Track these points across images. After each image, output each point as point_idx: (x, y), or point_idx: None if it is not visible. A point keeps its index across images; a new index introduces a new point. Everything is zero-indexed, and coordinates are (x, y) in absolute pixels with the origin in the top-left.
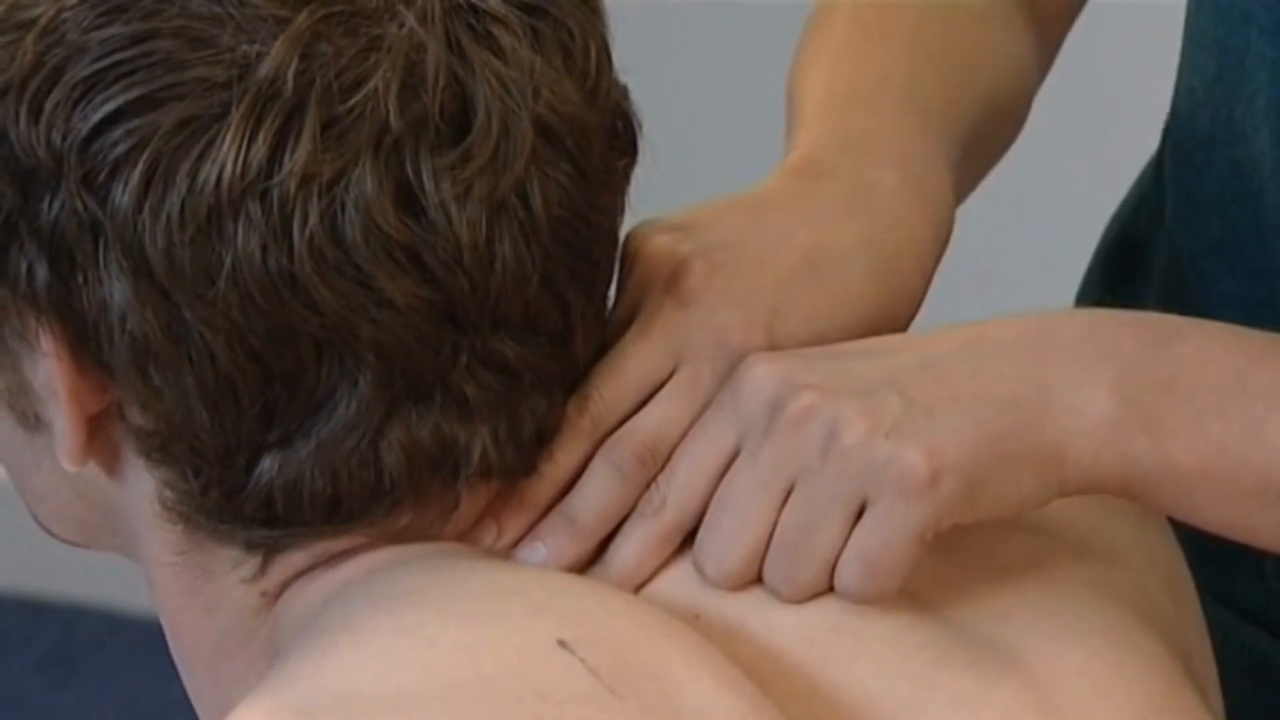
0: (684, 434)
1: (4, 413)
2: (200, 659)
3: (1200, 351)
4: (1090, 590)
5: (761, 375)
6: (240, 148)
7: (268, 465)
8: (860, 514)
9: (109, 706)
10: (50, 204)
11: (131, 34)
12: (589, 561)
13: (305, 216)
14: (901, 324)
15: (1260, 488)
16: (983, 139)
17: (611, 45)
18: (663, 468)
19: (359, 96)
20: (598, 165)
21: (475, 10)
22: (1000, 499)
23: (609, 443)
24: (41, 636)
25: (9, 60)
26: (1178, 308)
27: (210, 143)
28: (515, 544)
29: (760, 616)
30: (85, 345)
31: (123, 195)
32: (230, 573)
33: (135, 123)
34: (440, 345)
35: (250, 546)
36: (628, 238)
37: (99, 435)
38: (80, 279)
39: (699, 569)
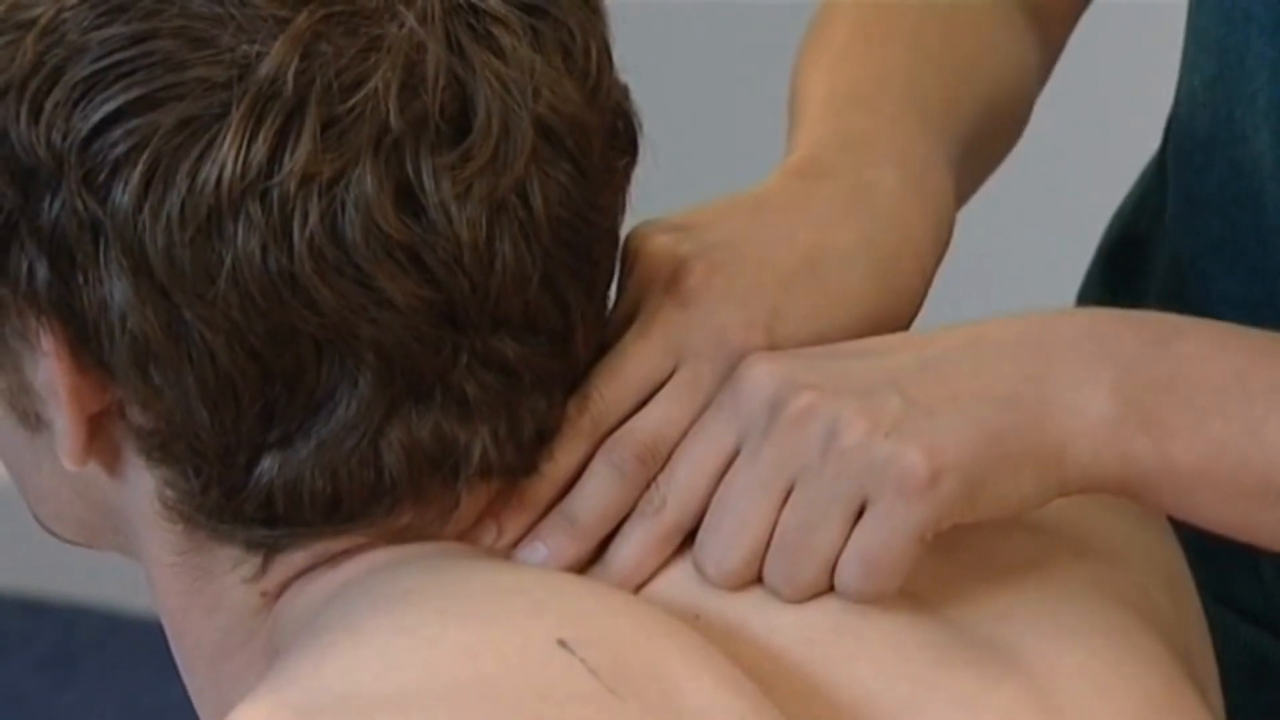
0: (684, 434)
1: (5, 412)
2: (201, 659)
3: (1200, 351)
4: (1090, 590)
5: (761, 375)
6: (240, 148)
7: (268, 465)
8: (860, 514)
9: (109, 706)
10: (50, 204)
11: (131, 34)
12: (589, 561)
13: (305, 216)
14: (902, 324)
15: (1260, 487)
16: (984, 140)
17: (612, 45)
18: (663, 468)
19: (359, 96)
20: (598, 165)
21: (475, 10)
22: (1000, 499)
23: (609, 442)
24: (41, 636)
25: (9, 60)
26: (1178, 308)
27: (210, 143)
28: (515, 544)
29: (760, 616)
30: (86, 345)
31: (123, 195)
32: (230, 572)
33: (135, 123)
34: (440, 345)
35: (250, 546)
36: (628, 238)
37: (99, 435)
38: (80, 279)
39: (699, 569)
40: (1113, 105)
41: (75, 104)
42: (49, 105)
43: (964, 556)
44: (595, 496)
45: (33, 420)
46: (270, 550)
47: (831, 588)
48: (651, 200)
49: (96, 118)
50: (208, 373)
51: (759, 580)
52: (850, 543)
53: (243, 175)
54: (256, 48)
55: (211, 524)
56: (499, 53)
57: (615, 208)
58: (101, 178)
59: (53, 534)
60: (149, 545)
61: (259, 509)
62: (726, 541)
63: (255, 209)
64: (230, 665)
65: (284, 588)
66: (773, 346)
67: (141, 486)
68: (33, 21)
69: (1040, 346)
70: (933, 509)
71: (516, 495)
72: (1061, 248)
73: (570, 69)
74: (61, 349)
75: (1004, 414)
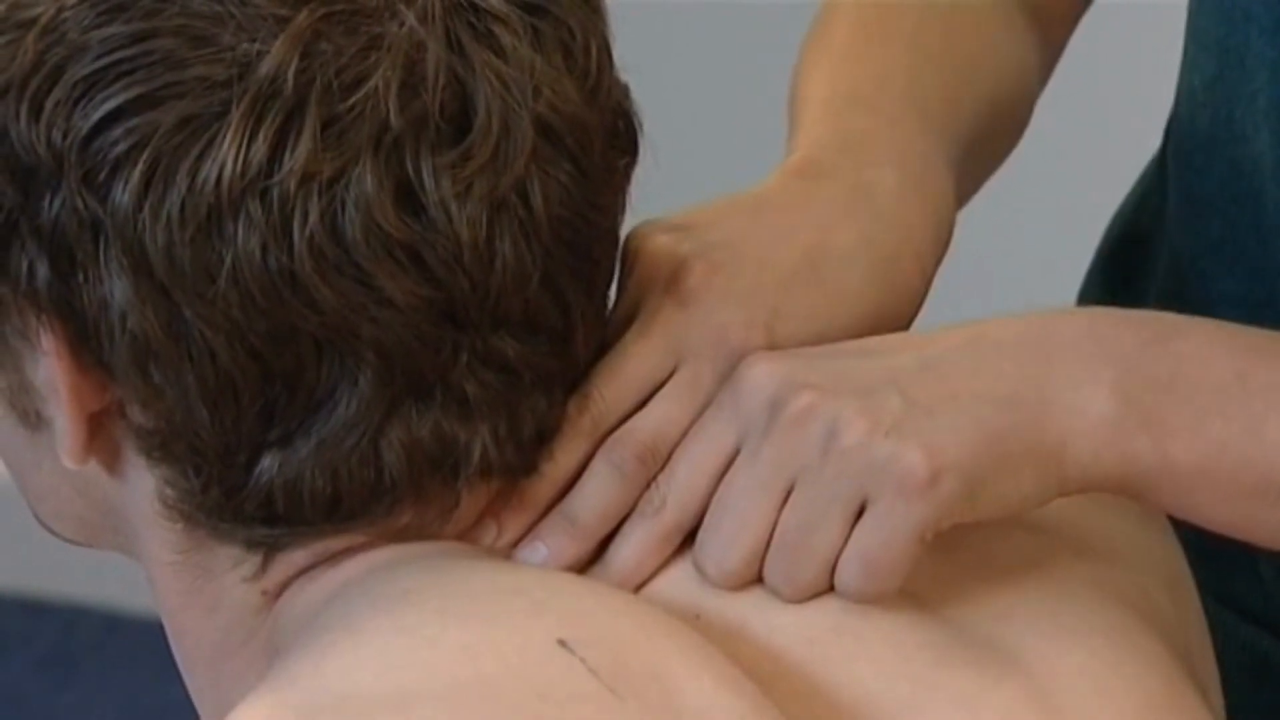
0: (684, 434)
1: (5, 411)
2: (201, 658)
3: (1200, 350)
4: (1090, 590)
5: (761, 375)
6: (240, 146)
7: (268, 464)
8: (860, 514)
9: (109, 706)
10: (51, 203)
11: (132, 33)
12: (589, 561)
13: (305, 215)
14: (902, 324)
15: (1261, 486)
16: (984, 140)
17: (612, 44)
18: (663, 467)
19: (359, 95)
20: (598, 164)
21: (476, 9)
22: (1000, 498)
23: (609, 442)
24: (41, 636)
25: (10, 59)
26: (1178, 308)
27: (210, 141)
28: (515, 543)
29: (760, 616)
30: (86, 344)
31: (123, 194)
32: (231, 571)
33: (135, 121)
34: (440, 344)
35: (251, 545)
36: (628, 237)
37: (100, 433)
38: (81, 277)
39: (699, 569)
40: (1113, 105)
41: (75, 103)
42: (49, 104)
43: (964, 556)
44: (595, 496)
45: (33, 419)
46: (270, 549)
47: (831, 588)
48: (651, 200)
49: (97, 116)
50: (208, 372)
51: (759, 580)
52: (850, 543)
53: (243, 174)
54: (257, 46)
55: (212, 523)
56: (499, 52)
57: (615, 207)
58: (102, 176)
59: (53, 533)
60: (149, 544)
61: (259, 508)
62: (726, 541)
63: (255, 208)
64: (230, 665)
65: (284, 587)
66: (773, 346)
67: (141, 485)
68: (33, 20)
69: (1040, 346)
70: (933, 509)
71: (516, 495)
72: (1061, 248)
73: (571, 68)
74: (62, 348)
75: (1004, 414)
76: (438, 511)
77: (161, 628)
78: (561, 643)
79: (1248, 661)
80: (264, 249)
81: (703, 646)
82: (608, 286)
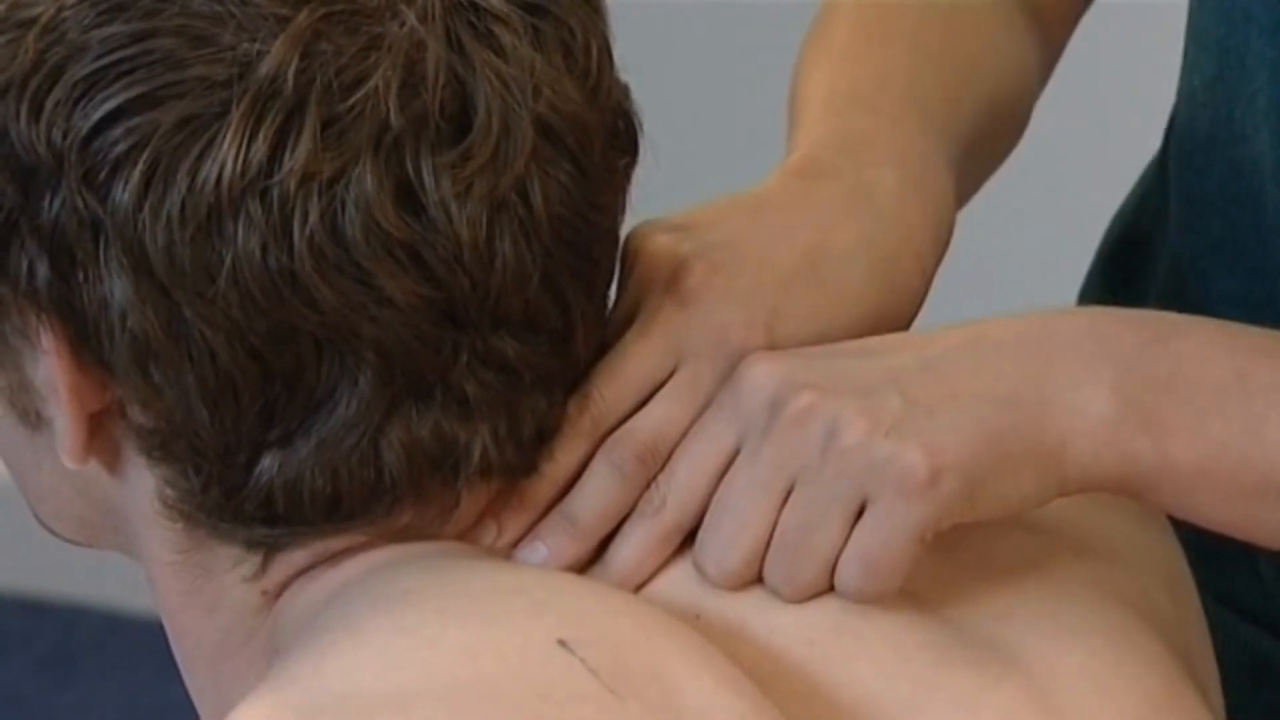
0: (684, 434)
1: (5, 410)
2: (201, 658)
3: (1200, 350)
4: (1090, 590)
5: (761, 375)
6: (240, 146)
7: (268, 463)
8: (860, 513)
9: (109, 706)
10: (51, 202)
11: (132, 32)
12: (589, 561)
13: (305, 215)
14: (902, 324)
15: (1261, 486)
16: (984, 140)
17: (612, 44)
18: (663, 467)
19: (359, 95)
20: (599, 164)
21: (476, 9)
22: (1000, 498)
23: (609, 442)
24: (41, 636)
25: (10, 59)
26: (1178, 307)
27: (210, 141)
28: (515, 543)
29: (760, 616)
30: (86, 343)
31: (123, 193)
32: (231, 571)
33: (136, 121)
34: (440, 344)
35: (251, 545)
36: (628, 237)
37: (100, 433)
38: (81, 277)
39: (699, 569)
40: (1113, 105)
41: (76, 102)
42: (49, 104)
43: (964, 556)
44: (595, 496)
45: (33, 418)
46: (270, 549)
47: (831, 588)
48: (651, 200)
49: (97, 116)
50: (208, 371)
51: (759, 580)
52: (850, 542)
53: (243, 174)
54: (257, 46)
55: (212, 522)
56: (499, 51)
57: (615, 207)
58: (102, 176)
59: (53, 533)
60: (149, 544)
61: (259, 508)
62: (726, 541)
63: (255, 208)
64: (231, 665)
65: (284, 587)
66: (773, 346)
67: (141, 485)
68: (33, 20)
69: (1040, 346)
70: (933, 508)
71: (516, 495)
72: (1061, 248)
73: (571, 68)
74: (62, 347)
75: (1004, 413)
76: (438, 511)
77: (161, 628)
78: (561, 643)
79: (1248, 661)
80: (264, 249)
81: (703, 646)
82: (608, 286)
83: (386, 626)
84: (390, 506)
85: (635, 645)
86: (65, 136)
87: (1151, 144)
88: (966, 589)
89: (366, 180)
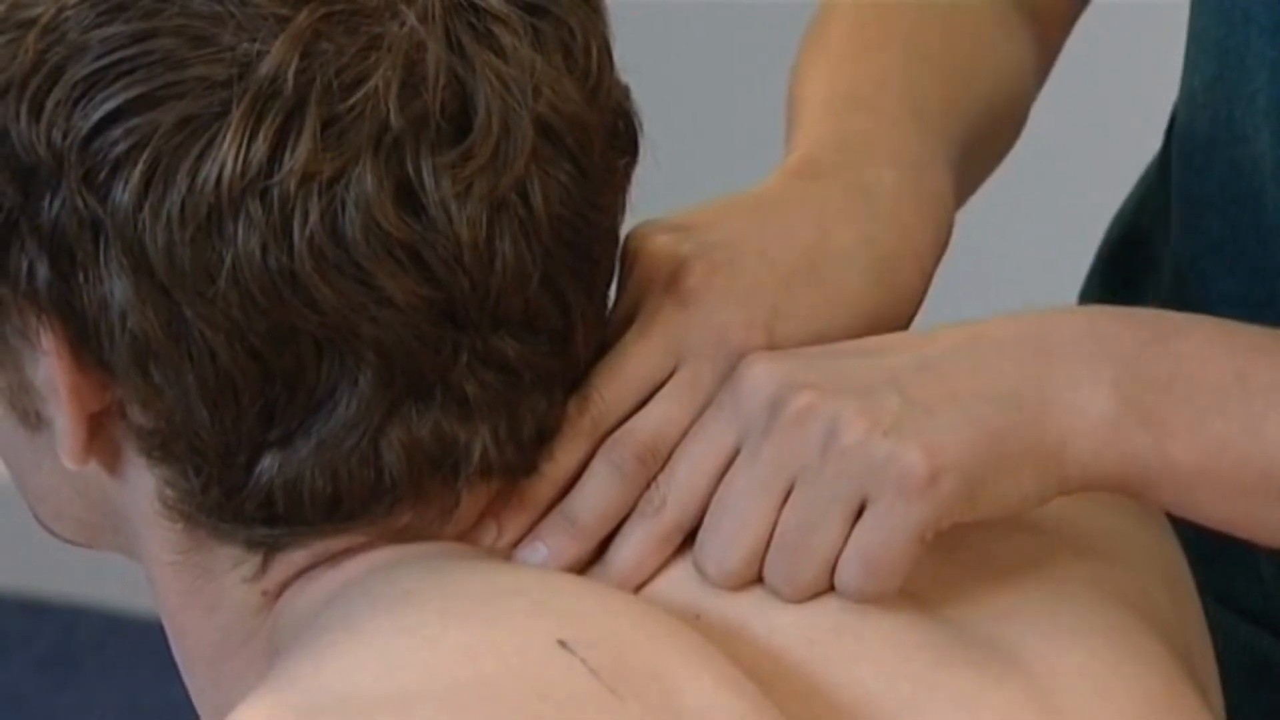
0: (684, 434)
1: (5, 411)
2: (201, 659)
3: (1200, 349)
4: (1090, 590)
5: (761, 374)
6: (240, 146)
7: (268, 464)
8: (860, 513)
9: (109, 706)
10: (51, 202)
11: (132, 32)
12: (589, 561)
13: (305, 215)
14: (901, 324)
15: (1261, 484)
16: (982, 141)
17: (612, 44)
18: (663, 467)
19: (359, 95)
20: (598, 164)
21: (476, 9)
22: (1000, 498)
23: (609, 442)
24: (41, 636)
25: (10, 59)
26: (1178, 307)
27: (210, 141)
28: (515, 544)
29: (760, 616)
30: (86, 343)
31: (123, 194)
32: (231, 571)
33: (135, 121)
34: (441, 344)
35: (251, 545)
36: (628, 237)
37: (100, 433)
38: (81, 277)
39: (699, 569)
40: (1113, 105)
41: (76, 102)
42: (49, 104)
43: (964, 556)
44: (595, 496)
45: (33, 419)
46: (270, 549)
47: (832, 588)
48: (651, 200)
49: (97, 116)
50: (208, 372)
51: (759, 580)
52: (850, 542)
53: (243, 174)
54: (257, 46)
55: (212, 523)
56: (499, 52)
57: (615, 207)
58: (102, 176)
59: (53, 534)
60: (149, 544)
61: (259, 508)
62: (726, 541)
63: (255, 208)
64: (231, 665)
65: (284, 587)
66: (773, 346)
67: (141, 485)
68: (33, 20)
69: (1040, 345)
70: (933, 508)
71: (516, 495)
72: (1061, 248)
73: (571, 68)
74: (62, 347)
75: (1004, 413)
76: (438, 512)
77: (161, 628)
78: (562, 643)
79: (1248, 661)
80: (264, 249)
81: (703, 646)
82: (608, 286)
83: (387, 627)
84: (390, 507)
85: (635, 645)
86: (65, 137)
87: (1151, 144)
88: (966, 589)
89: (366, 180)
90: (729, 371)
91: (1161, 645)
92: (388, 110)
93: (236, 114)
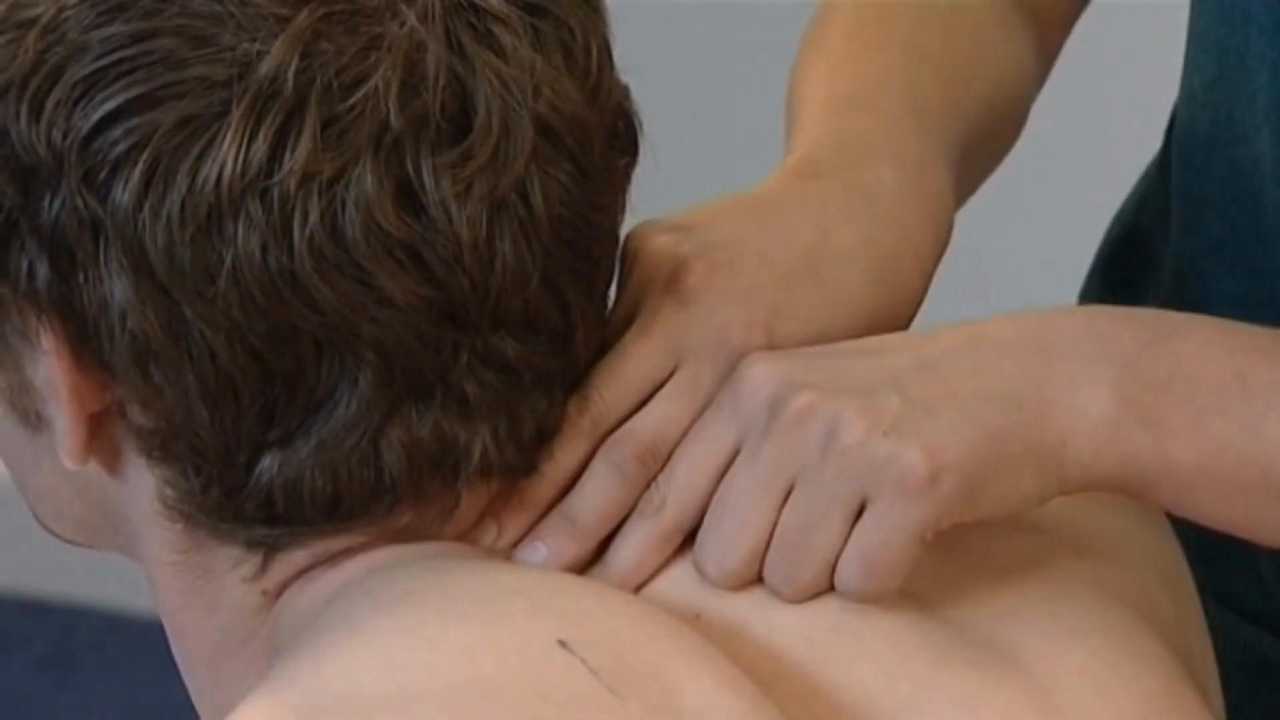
0: (684, 434)
1: (5, 411)
2: (201, 659)
3: (1199, 349)
4: (1090, 590)
5: (761, 374)
6: (240, 146)
7: (268, 464)
8: (860, 513)
9: (109, 706)
10: (51, 202)
11: (132, 32)
12: (589, 561)
13: (305, 215)
14: (901, 324)
15: (1261, 484)
16: (982, 141)
17: (612, 44)
18: (663, 467)
19: (359, 95)
20: (598, 164)
21: (476, 9)
22: (1000, 498)
23: (609, 442)
24: (41, 636)
25: (10, 59)
26: (1178, 307)
27: (210, 141)
28: (515, 544)
29: (760, 616)
30: (86, 343)
31: (123, 194)
32: (231, 571)
33: (135, 121)
34: (441, 344)
35: (251, 545)
36: (628, 237)
37: (100, 433)
38: (81, 277)
39: (699, 569)
40: (1113, 105)
41: (76, 102)
42: (50, 104)
43: (964, 556)
44: (595, 496)
45: (33, 419)
46: (270, 549)
47: (832, 588)
48: (651, 200)
49: (97, 116)
50: (208, 371)
51: (759, 580)
52: (850, 542)
53: (243, 174)
54: (257, 46)
55: (212, 523)
56: (499, 52)
57: (615, 207)
58: (102, 176)
59: (53, 534)
60: (149, 544)
61: (259, 508)
62: (726, 541)
63: (255, 208)
64: (231, 665)
65: (284, 587)
66: (773, 346)
67: (141, 485)
68: (34, 20)
69: (1040, 345)
70: (933, 508)
71: (516, 495)
72: (1061, 248)
73: (571, 68)
74: (62, 347)
75: (1004, 413)
76: (438, 512)
77: (161, 628)
78: (562, 643)
79: (1248, 661)
80: (264, 249)
81: (703, 646)
82: (608, 286)
83: (387, 627)
84: (390, 507)
85: (635, 645)
86: (65, 137)
87: (1151, 144)
88: (966, 589)
89: (366, 180)
90: (729, 371)
91: (1161, 645)
92: (388, 110)
93: (236, 114)
